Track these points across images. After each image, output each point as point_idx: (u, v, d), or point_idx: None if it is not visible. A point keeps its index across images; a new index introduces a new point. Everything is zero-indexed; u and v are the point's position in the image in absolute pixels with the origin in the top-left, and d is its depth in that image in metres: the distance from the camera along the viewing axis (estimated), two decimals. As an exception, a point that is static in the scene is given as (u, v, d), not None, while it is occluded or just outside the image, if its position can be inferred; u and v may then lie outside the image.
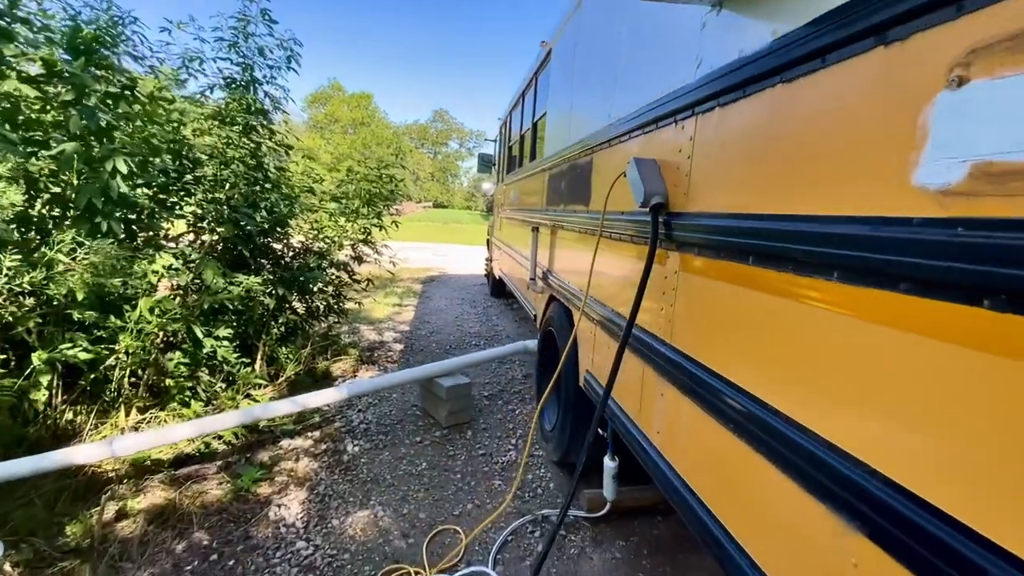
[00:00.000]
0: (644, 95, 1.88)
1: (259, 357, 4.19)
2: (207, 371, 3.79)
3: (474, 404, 3.88)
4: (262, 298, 3.91)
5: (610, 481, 2.41)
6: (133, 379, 3.38)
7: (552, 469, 3.08)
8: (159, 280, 3.50)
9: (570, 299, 2.79)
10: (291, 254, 4.70)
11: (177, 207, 3.78)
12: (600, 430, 2.50)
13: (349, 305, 5.72)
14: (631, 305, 1.66)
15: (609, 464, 2.39)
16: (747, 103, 1.23)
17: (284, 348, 4.50)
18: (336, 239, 4.97)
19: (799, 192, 1.05)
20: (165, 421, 3.48)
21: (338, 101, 58.86)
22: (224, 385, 3.83)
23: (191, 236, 3.99)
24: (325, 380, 4.56)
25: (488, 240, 9.43)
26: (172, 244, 3.73)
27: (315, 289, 4.63)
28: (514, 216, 5.60)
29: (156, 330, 3.24)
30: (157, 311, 3.20)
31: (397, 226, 5.40)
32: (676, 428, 1.54)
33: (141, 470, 2.90)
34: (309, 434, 3.51)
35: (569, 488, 2.02)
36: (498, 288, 8.26)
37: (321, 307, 4.96)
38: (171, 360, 3.35)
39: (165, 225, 3.67)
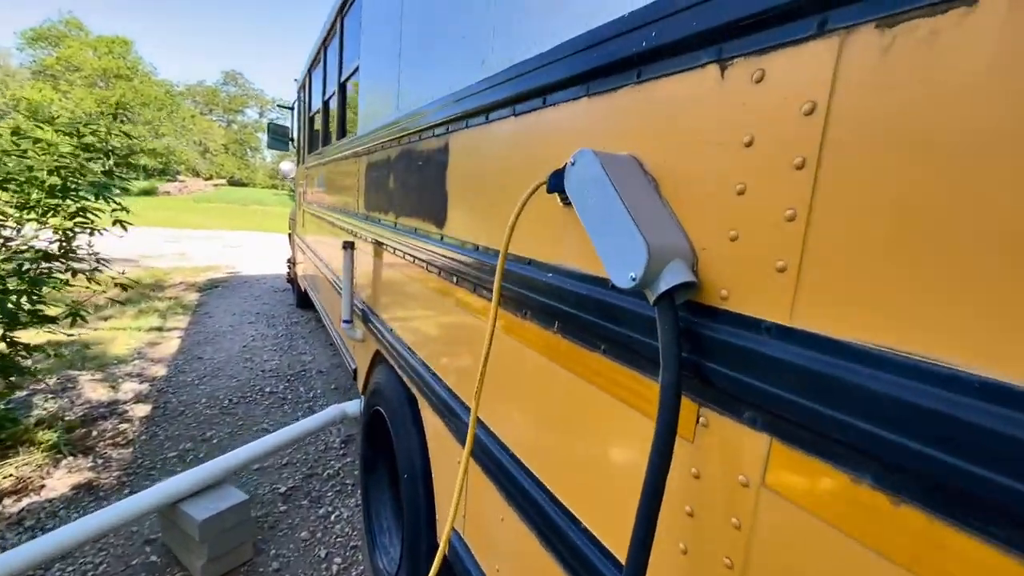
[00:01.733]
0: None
1: None
2: None
3: (257, 523, 2.47)
4: None
5: None
6: None
7: (393, 643, 1.93)
8: None
9: (415, 380, 1.64)
10: None
11: None
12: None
13: (60, 338, 3.67)
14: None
15: None
16: None
17: None
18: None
19: None
20: None
21: (78, 44, 45.20)
22: None
23: None
24: (-29, 506, 2.59)
25: (291, 235, 7.48)
26: None
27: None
28: (321, 213, 4.12)
29: None
30: None
31: (126, 228, 3.47)
32: None
33: None
34: None
35: None
36: (306, 298, 6.51)
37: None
38: None
39: None
